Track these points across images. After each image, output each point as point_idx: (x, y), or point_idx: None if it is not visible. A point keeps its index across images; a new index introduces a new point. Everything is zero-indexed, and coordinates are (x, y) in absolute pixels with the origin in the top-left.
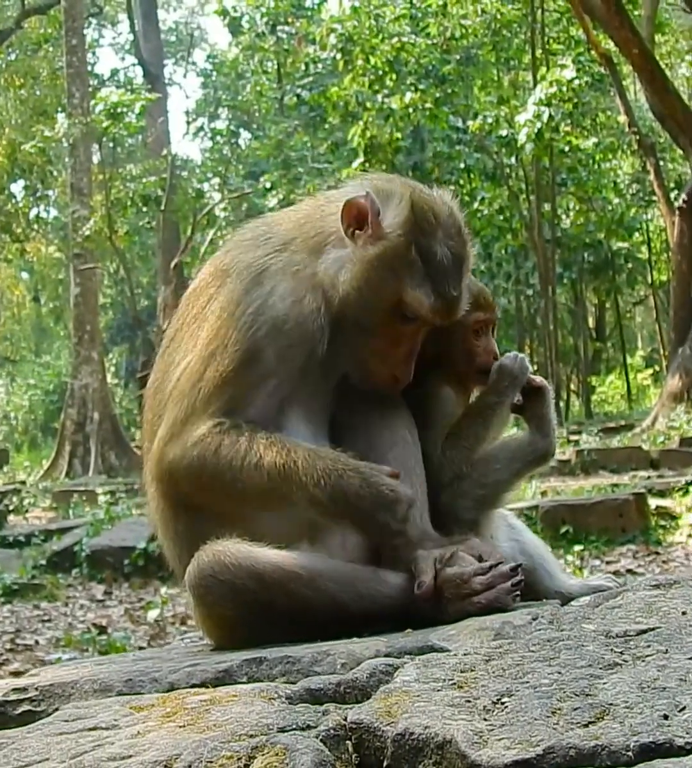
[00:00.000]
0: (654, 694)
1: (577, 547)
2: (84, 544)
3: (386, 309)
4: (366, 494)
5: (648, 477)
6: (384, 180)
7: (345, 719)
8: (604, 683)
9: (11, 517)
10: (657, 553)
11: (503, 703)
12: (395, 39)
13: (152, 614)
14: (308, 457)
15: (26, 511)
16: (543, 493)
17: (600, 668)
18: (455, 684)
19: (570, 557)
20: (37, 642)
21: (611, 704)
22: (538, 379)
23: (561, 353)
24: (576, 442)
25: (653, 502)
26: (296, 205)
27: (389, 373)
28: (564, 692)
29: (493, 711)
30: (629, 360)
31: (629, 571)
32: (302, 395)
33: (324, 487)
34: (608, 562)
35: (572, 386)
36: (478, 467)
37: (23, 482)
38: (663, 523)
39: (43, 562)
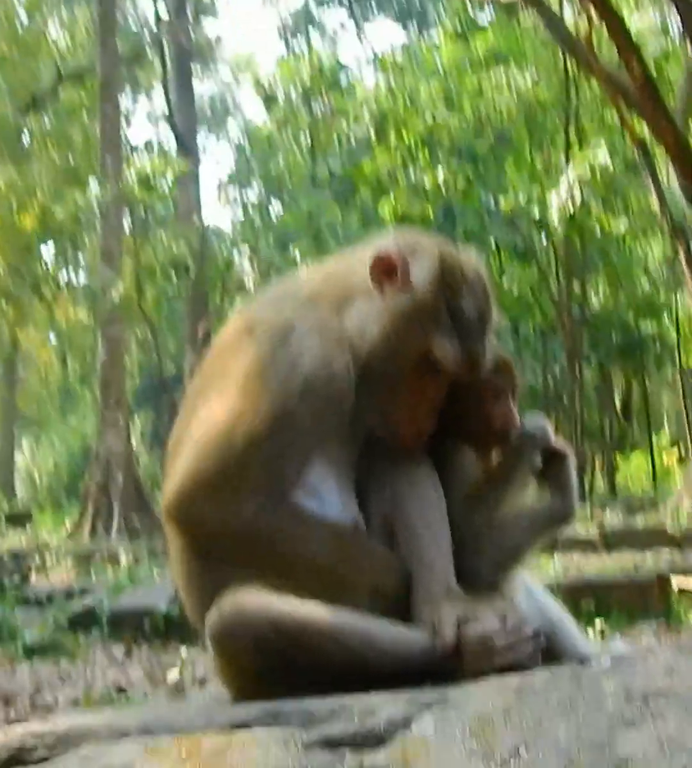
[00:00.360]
0: (673, 750)
1: (598, 624)
2: (105, 605)
3: (413, 360)
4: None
5: (671, 557)
6: (412, 235)
7: (361, 765)
8: (623, 739)
9: (34, 577)
10: (679, 633)
11: (520, 755)
12: (429, 116)
13: (172, 676)
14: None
15: (49, 571)
16: (566, 569)
17: (620, 724)
18: (472, 734)
19: (590, 633)
20: (56, 701)
21: (630, 759)
22: (560, 443)
23: (587, 431)
24: (600, 523)
25: (676, 582)
26: (322, 262)
27: (412, 427)
28: (583, 746)
29: (509, 762)
30: (654, 440)
31: (648, 648)
32: (332, 452)
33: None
34: (629, 640)
35: (597, 464)
36: (497, 529)
37: (46, 543)
38: (685, 603)
39: (64, 621)
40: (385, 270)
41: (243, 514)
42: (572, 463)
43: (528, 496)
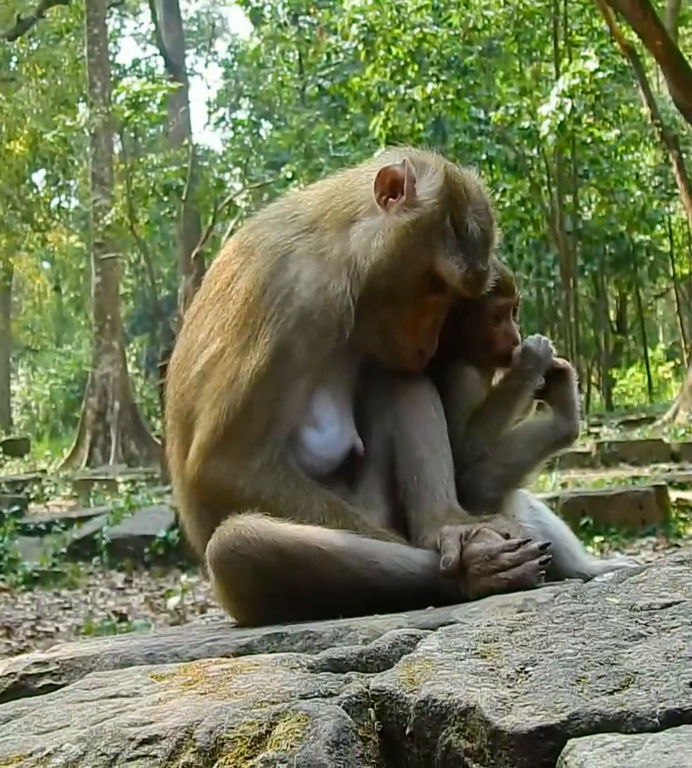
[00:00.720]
0: (679, 663)
1: (597, 539)
2: (104, 532)
3: (417, 277)
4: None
5: (669, 470)
6: (417, 152)
7: (368, 687)
8: (629, 653)
9: (32, 506)
10: (677, 546)
11: (526, 672)
12: (417, 30)
13: (172, 602)
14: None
15: (47, 499)
16: (564, 485)
17: (625, 639)
18: (478, 653)
19: (590, 548)
20: (57, 629)
21: (636, 673)
22: (561, 361)
23: (581, 345)
24: (597, 435)
25: (673, 495)
26: (321, 181)
27: (414, 347)
28: (589, 661)
29: (517, 679)
30: (650, 353)
31: (648, 562)
32: (329, 379)
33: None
34: (628, 554)
35: (593, 379)
36: (501, 448)
37: (44, 471)
38: (683, 515)
39: (64, 550)
40: (391, 186)
41: (250, 468)
42: (575, 381)
43: (531, 415)
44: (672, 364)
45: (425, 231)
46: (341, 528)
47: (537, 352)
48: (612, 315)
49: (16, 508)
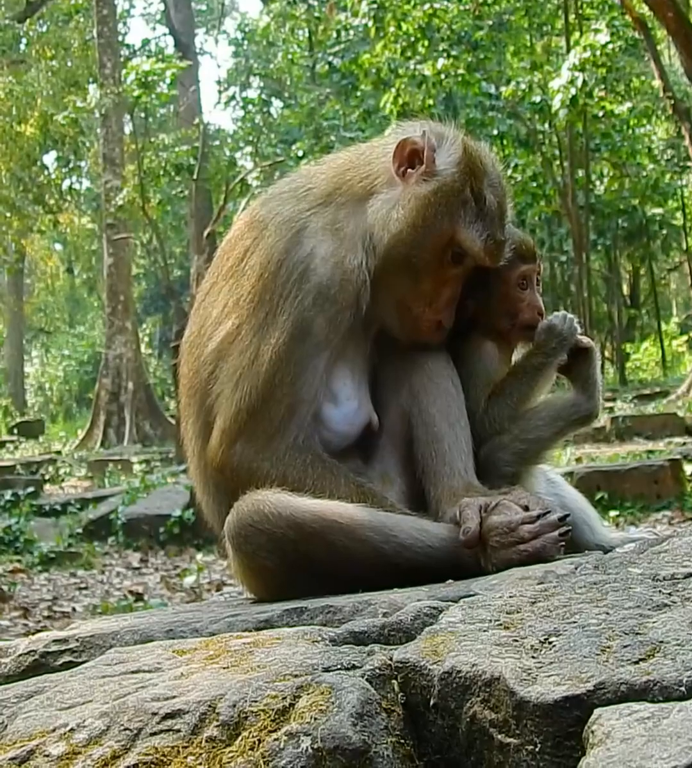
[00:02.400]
0: None
1: (612, 513)
2: (120, 512)
3: (438, 247)
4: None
5: (684, 443)
6: (434, 124)
7: (391, 659)
8: (653, 622)
9: (47, 487)
10: None
11: (550, 642)
12: (427, 5)
13: (188, 581)
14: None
15: (62, 480)
16: (578, 460)
17: (649, 609)
18: (501, 624)
19: (605, 523)
20: (74, 609)
21: (661, 642)
22: (585, 339)
23: (595, 320)
24: (611, 409)
25: (688, 469)
26: (333, 155)
27: (433, 319)
28: (613, 631)
29: (541, 650)
30: (663, 327)
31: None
32: (347, 354)
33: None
34: (646, 527)
35: (606, 353)
36: (520, 423)
37: (59, 452)
38: None
39: (80, 530)
40: (410, 157)
41: (276, 451)
42: (597, 359)
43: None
44: (685, 337)
45: (447, 200)
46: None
47: (562, 330)
48: (625, 289)
49: (31, 489)
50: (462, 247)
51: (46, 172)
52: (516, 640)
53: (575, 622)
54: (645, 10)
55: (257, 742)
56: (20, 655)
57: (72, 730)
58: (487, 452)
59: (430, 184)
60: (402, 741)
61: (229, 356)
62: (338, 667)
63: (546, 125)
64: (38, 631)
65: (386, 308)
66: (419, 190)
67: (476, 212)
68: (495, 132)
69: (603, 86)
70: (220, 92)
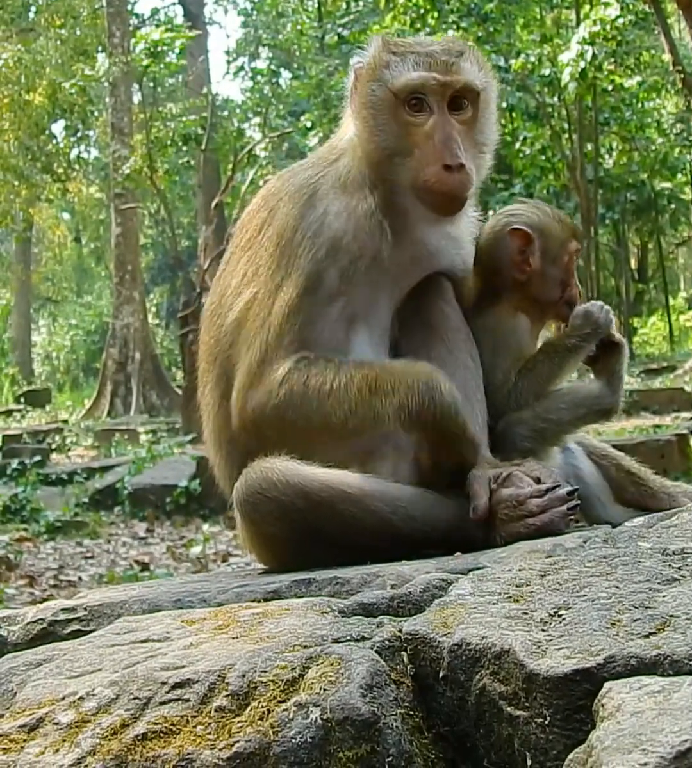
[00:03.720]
0: None
1: None
2: (126, 482)
3: (393, 114)
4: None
5: (691, 418)
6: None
7: (400, 631)
8: (663, 596)
9: (54, 456)
10: None
11: (560, 616)
12: None
13: (194, 551)
14: (397, 367)
15: (68, 449)
16: (585, 434)
17: (659, 583)
18: (511, 597)
19: None
20: (80, 578)
21: (671, 616)
22: (618, 335)
23: (602, 294)
24: None
25: None
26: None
27: (437, 167)
28: (623, 605)
29: (551, 623)
30: (671, 301)
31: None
32: (368, 316)
33: (416, 393)
34: None
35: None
36: (543, 402)
37: (65, 421)
38: None
39: (86, 499)
40: (354, 82)
41: (282, 368)
42: (626, 356)
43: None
44: None
45: (370, 76)
46: (370, 373)
47: (598, 318)
48: (633, 263)
49: (37, 458)
50: (405, 88)
51: (54, 141)
52: (526, 613)
53: (584, 596)
54: None
55: (266, 713)
56: (28, 624)
57: (81, 698)
58: (504, 426)
59: (362, 87)
60: (411, 713)
61: (246, 322)
62: (348, 638)
63: (556, 98)
64: (44, 599)
65: (410, 208)
66: (356, 99)
67: (398, 60)
68: (504, 105)
69: (612, 60)
70: (229, 62)
